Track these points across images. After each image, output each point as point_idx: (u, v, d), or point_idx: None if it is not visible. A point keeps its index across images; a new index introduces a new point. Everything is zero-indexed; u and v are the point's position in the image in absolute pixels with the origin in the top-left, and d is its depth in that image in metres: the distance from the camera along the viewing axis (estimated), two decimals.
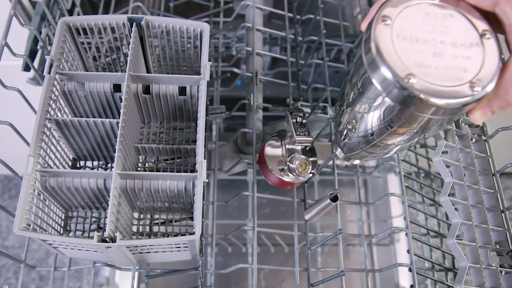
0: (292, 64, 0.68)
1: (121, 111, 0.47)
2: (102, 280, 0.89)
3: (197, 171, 0.45)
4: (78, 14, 0.70)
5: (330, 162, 0.58)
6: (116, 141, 0.46)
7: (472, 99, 0.36)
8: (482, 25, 0.39)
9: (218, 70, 0.71)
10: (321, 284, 0.53)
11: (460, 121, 0.54)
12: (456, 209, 0.48)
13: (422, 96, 0.35)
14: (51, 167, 0.50)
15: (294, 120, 0.54)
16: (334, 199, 0.51)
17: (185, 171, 0.57)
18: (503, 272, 0.48)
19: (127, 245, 0.43)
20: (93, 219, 0.57)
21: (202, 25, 0.52)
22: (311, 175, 0.55)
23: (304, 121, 0.54)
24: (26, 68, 0.58)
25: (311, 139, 0.54)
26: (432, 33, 0.38)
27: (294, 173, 0.55)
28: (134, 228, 0.56)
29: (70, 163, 0.57)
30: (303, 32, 0.72)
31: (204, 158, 0.45)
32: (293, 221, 0.59)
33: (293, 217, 0.59)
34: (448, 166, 0.50)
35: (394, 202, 1.02)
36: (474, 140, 0.55)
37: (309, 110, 0.62)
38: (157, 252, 0.48)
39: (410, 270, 0.53)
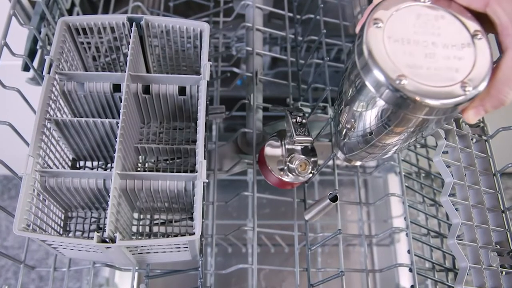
0: (292, 64, 0.68)
1: (121, 111, 0.47)
2: (101, 280, 0.89)
3: (197, 171, 0.45)
4: (78, 14, 0.70)
5: (330, 162, 0.58)
6: (116, 141, 0.46)
7: (464, 99, 0.36)
8: (474, 26, 0.39)
9: (218, 70, 0.71)
10: (321, 285, 0.53)
11: (461, 121, 0.54)
12: (456, 209, 0.48)
13: (414, 97, 0.36)
14: (50, 167, 0.49)
15: (294, 120, 0.54)
16: (334, 199, 0.51)
17: (185, 171, 0.57)
18: (504, 273, 0.48)
19: (127, 245, 0.43)
20: (93, 220, 0.57)
21: (202, 25, 0.52)
22: (311, 175, 0.55)
23: (304, 121, 0.54)
24: (26, 68, 0.58)
25: (311, 139, 0.54)
26: (424, 35, 0.38)
27: (294, 173, 0.54)
28: (134, 229, 0.56)
29: (69, 163, 0.57)
30: (303, 31, 0.72)
31: (204, 158, 0.45)
32: (293, 221, 0.59)
33: (293, 217, 0.59)
34: (448, 166, 0.50)
35: (395, 202, 1.02)
36: (474, 140, 0.55)
37: (309, 110, 0.62)
38: (157, 252, 0.48)
39: (410, 270, 0.53)
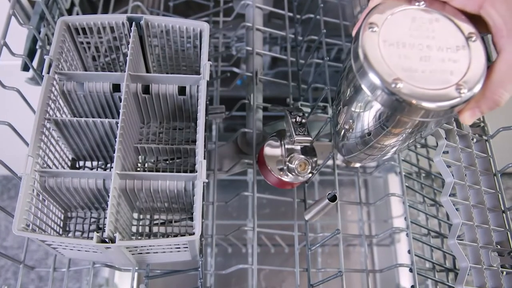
0: (292, 63, 0.68)
1: (121, 111, 0.46)
2: (101, 280, 0.89)
3: (196, 171, 0.44)
4: (77, 14, 0.69)
5: (330, 162, 0.58)
6: (115, 141, 0.46)
7: (459, 101, 0.37)
8: (468, 28, 0.39)
9: (218, 70, 0.71)
10: (321, 285, 0.52)
11: None
12: (457, 209, 0.48)
13: (409, 100, 0.36)
14: (50, 167, 0.49)
15: (294, 120, 0.54)
16: (333, 199, 0.51)
17: (185, 171, 0.57)
18: (504, 273, 0.48)
19: (126, 245, 0.43)
20: (93, 220, 0.56)
21: (202, 24, 0.52)
22: (310, 175, 0.54)
23: (303, 120, 0.54)
24: (25, 68, 0.57)
25: (310, 138, 0.53)
26: (419, 38, 0.39)
27: (293, 173, 0.54)
28: (134, 229, 0.56)
29: (69, 163, 0.57)
30: (303, 31, 0.72)
31: (204, 158, 0.45)
32: (293, 222, 0.58)
33: (293, 217, 0.59)
34: (449, 166, 0.50)
35: (395, 202, 1.01)
36: (475, 140, 0.55)
37: (309, 110, 0.62)
38: (157, 252, 0.48)
39: (410, 270, 0.53)
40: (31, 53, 0.58)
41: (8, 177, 1.47)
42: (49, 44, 0.60)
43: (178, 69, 0.59)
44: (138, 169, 0.58)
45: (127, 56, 0.49)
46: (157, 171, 0.58)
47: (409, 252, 0.55)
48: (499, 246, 0.49)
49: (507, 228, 0.51)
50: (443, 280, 0.59)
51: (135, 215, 0.56)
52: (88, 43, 0.54)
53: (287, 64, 0.67)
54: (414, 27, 0.39)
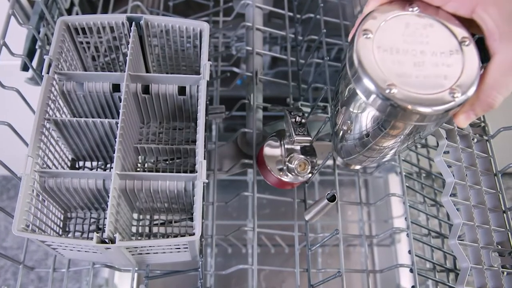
0: (292, 63, 0.68)
1: (120, 111, 0.46)
2: (101, 281, 0.89)
3: (196, 172, 0.44)
4: (77, 14, 0.69)
5: (331, 162, 0.57)
6: (115, 141, 0.46)
7: (453, 105, 0.37)
8: (461, 32, 0.40)
9: (218, 70, 0.71)
10: (322, 285, 0.52)
11: None
12: (457, 209, 0.48)
13: (403, 105, 0.37)
14: (50, 168, 0.49)
15: (293, 120, 0.54)
16: (332, 199, 0.51)
17: (185, 172, 0.57)
18: (505, 273, 0.48)
19: (126, 246, 0.43)
20: (92, 220, 0.56)
21: (202, 24, 0.52)
22: (310, 175, 0.54)
23: (303, 120, 0.54)
24: (25, 68, 0.57)
25: (310, 138, 0.53)
26: (412, 43, 0.39)
27: (293, 173, 0.54)
28: (134, 229, 0.56)
29: (69, 164, 0.57)
30: (303, 31, 0.72)
31: (204, 159, 0.45)
32: (293, 222, 0.58)
33: (294, 217, 0.58)
34: (449, 166, 0.50)
35: (395, 202, 1.01)
36: (475, 140, 0.55)
37: (309, 110, 0.62)
38: (157, 253, 0.48)
39: (411, 271, 0.53)
40: (30, 53, 0.58)
41: (8, 177, 1.46)
42: (49, 44, 0.60)
43: (178, 69, 0.59)
44: (138, 169, 0.58)
45: (127, 56, 0.49)
46: (157, 171, 0.58)
47: (409, 252, 0.55)
48: (499, 247, 0.49)
49: (508, 228, 0.51)
50: (443, 280, 0.59)
51: (135, 216, 0.56)
52: (87, 43, 0.54)
53: (287, 64, 0.67)
54: (408, 33, 0.40)
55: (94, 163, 0.59)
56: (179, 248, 0.46)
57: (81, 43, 0.54)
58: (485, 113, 0.41)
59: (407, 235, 0.55)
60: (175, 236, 0.56)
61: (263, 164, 0.56)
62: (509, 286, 0.47)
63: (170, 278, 0.54)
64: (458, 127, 0.52)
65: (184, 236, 0.52)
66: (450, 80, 0.38)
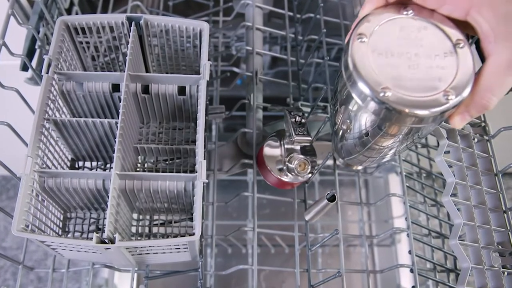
0: (292, 63, 0.68)
1: (120, 111, 0.46)
2: (101, 281, 0.89)
3: (196, 172, 0.44)
4: (77, 13, 0.69)
5: (331, 162, 0.57)
6: (115, 141, 0.46)
7: (447, 107, 0.38)
8: (456, 35, 0.40)
9: (218, 70, 0.71)
10: (322, 285, 0.52)
11: None
12: (458, 209, 0.48)
13: (398, 108, 0.37)
14: (49, 168, 0.49)
15: (293, 120, 0.54)
16: (332, 199, 0.51)
17: (185, 172, 0.57)
18: (505, 273, 0.48)
19: (126, 246, 0.43)
20: (92, 220, 0.56)
21: (202, 24, 0.51)
22: (310, 175, 0.54)
23: (303, 120, 0.54)
24: (24, 67, 0.57)
25: (310, 138, 0.53)
26: (407, 46, 0.40)
27: (293, 173, 0.54)
28: (134, 229, 0.56)
29: (68, 164, 0.57)
30: (303, 31, 0.72)
31: (204, 159, 0.45)
32: (293, 222, 0.58)
33: (294, 217, 0.58)
34: (450, 166, 0.49)
35: (395, 202, 1.01)
36: (476, 140, 0.55)
37: (309, 110, 0.62)
38: (157, 253, 0.48)
39: (411, 271, 0.53)
40: (30, 53, 0.58)
41: (7, 178, 1.46)
42: (48, 44, 0.60)
43: (178, 69, 0.59)
44: (138, 169, 0.58)
45: (126, 56, 0.49)
46: (157, 171, 0.57)
47: (409, 252, 0.54)
48: (500, 247, 0.49)
49: (508, 228, 0.50)
50: (444, 280, 0.59)
51: (135, 216, 0.56)
52: (87, 42, 0.54)
53: (287, 64, 0.67)
54: (402, 36, 0.40)
55: (94, 163, 0.59)
56: (179, 248, 0.46)
57: (81, 43, 0.54)
58: (480, 115, 0.42)
59: (408, 235, 0.55)
60: (175, 236, 0.56)
61: (263, 164, 0.56)
62: (510, 287, 0.47)
63: (170, 278, 0.54)
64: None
65: (184, 236, 0.52)
66: (445, 82, 0.38)
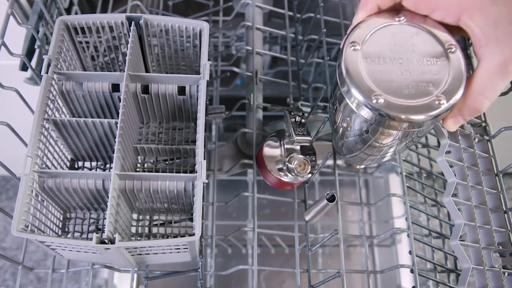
0: (292, 63, 0.67)
1: (120, 111, 0.46)
2: (100, 281, 0.88)
3: (196, 172, 0.44)
4: (76, 13, 0.69)
5: (331, 162, 0.57)
6: (114, 141, 0.46)
7: (439, 112, 0.39)
8: (448, 40, 0.41)
9: (218, 70, 0.70)
10: (322, 286, 0.52)
11: None
12: (459, 209, 0.48)
13: (390, 114, 0.38)
14: (49, 168, 0.49)
15: (293, 120, 0.54)
16: (331, 199, 0.51)
17: (185, 172, 0.56)
18: (506, 274, 0.47)
19: (126, 246, 0.43)
20: (92, 220, 0.56)
21: (202, 24, 0.51)
22: (310, 175, 0.54)
23: (303, 120, 0.54)
24: (24, 67, 0.57)
25: (310, 138, 0.53)
26: (399, 53, 0.41)
27: (293, 173, 0.54)
28: (133, 229, 0.56)
29: (68, 164, 0.57)
30: (303, 31, 0.72)
31: (204, 159, 0.45)
32: (293, 222, 0.58)
33: (294, 218, 0.58)
34: (451, 166, 0.49)
35: (396, 202, 1.01)
36: (477, 140, 0.55)
37: (309, 110, 0.62)
38: (157, 253, 0.47)
39: (412, 271, 0.53)
40: (29, 53, 0.57)
41: (7, 178, 1.46)
42: (48, 43, 0.60)
43: (178, 69, 0.59)
44: (138, 169, 0.58)
45: (126, 55, 0.49)
46: (157, 171, 0.57)
47: (410, 253, 0.54)
48: (500, 247, 0.49)
49: (509, 228, 0.50)
50: (444, 281, 0.59)
51: (135, 216, 0.56)
52: (87, 42, 0.54)
53: (287, 64, 0.67)
54: (394, 42, 0.41)
55: (94, 163, 0.59)
56: (179, 249, 0.46)
57: (80, 42, 0.54)
58: (473, 117, 0.43)
59: (408, 235, 0.55)
60: (175, 237, 0.55)
61: (262, 164, 0.56)
62: (510, 287, 0.47)
63: (169, 278, 0.54)
64: (459, 127, 0.52)
65: (184, 236, 0.52)
66: (437, 87, 0.39)
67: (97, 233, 0.41)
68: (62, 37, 0.50)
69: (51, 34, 0.50)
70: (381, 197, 0.59)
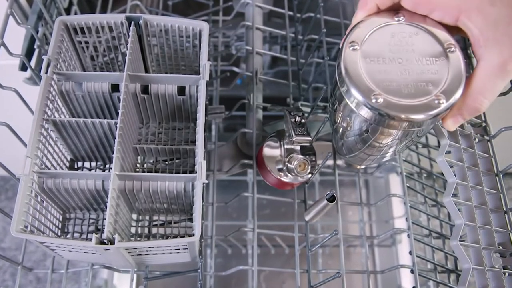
0: (292, 63, 0.67)
1: (119, 111, 0.46)
2: (100, 282, 0.88)
3: (196, 172, 0.44)
4: (76, 13, 0.69)
5: (331, 162, 0.57)
6: (114, 141, 0.45)
7: (438, 111, 0.39)
8: (447, 39, 0.41)
9: (218, 69, 0.70)
10: (322, 286, 0.52)
11: None
12: (459, 210, 0.48)
13: (390, 113, 0.38)
14: (48, 168, 0.49)
15: (293, 120, 0.54)
16: (331, 199, 0.51)
17: (184, 172, 0.56)
18: (506, 274, 0.47)
19: (125, 247, 0.43)
20: (91, 221, 0.56)
21: (201, 24, 0.51)
22: (310, 175, 0.54)
23: (303, 120, 0.54)
24: (23, 67, 0.57)
25: (309, 138, 0.53)
26: (398, 52, 0.41)
27: (293, 174, 0.54)
28: (133, 230, 0.56)
29: (67, 164, 0.56)
30: (303, 30, 0.72)
31: (204, 159, 0.45)
32: (293, 222, 0.58)
33: (294, 218, 0.58)
34: (451, 166, 0.49)
35: (396, 202, 1.01)
36: (477, 140, 0.54)
37: (309, 110, 0.62)
38: (156, 254, 0.47)
39: (412, 271, 0.53)
40: (29, 53, 0.57)
41: (6, 178, 1.46)
42: (47, 43, 0.60)
43: (178, 69, 0.59)
44: (137, 170, 0.58)
45: (126, 55, 0.49)
46: (156, 171, 0.57)
47: (410, 253, 0.54)
48: (501, 247, 0.49)
49: (509, 229, 0.50)
50: (444, 281, 0.59)
51: (134, 216, 0.56)
52: (86, 42, 0.54)
53: (287, 64, 0.67)
54: (394, 42, 0.41)
55: (93, 164, 0.59)
56: (179, 249, 0.46)
57: (80, 42, 0.54)
58: (472, 117, 0.43)
59: (408, 235, 0.55)
60: (175, 237, 0.55)
61: (262, 165, 0.56)
62: (510, 287, 0.47)
63: (169, 279, 0.54)
64: (459, 127, 0.52)
65: (184, 237, 0.52)
66: (436, 87, 0.39)
67: (96, 234, 0.41)
68: (62, 37, 0.50)
69: (51, 34, 0.50)
70: (381, 197, 0.59)
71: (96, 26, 0.51)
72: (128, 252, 0.45)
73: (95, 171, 0.59)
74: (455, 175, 0.49)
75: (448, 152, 0.50)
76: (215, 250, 1.02)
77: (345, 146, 0.51)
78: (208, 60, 0.49)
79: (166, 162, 0.58)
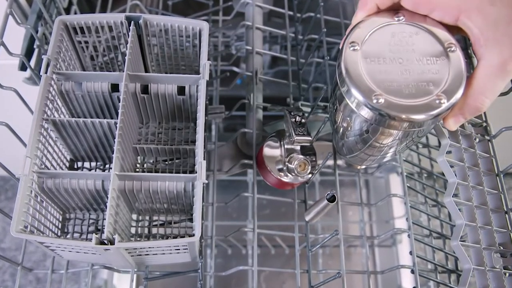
0: (292, 63, 0.67)
1: (119, 111, 0.46)
2: (100, 282, 0.88)
3: (196, 172, 0.44)
4: (75, 13, 0.69)
5: (331, 162, 0.57)
6: (114, 141, 0.45)
7: (440, 111, 0.39)
8: (447, 39, 0.41)
9: (218, 69, 0.70)
10: (322, 286, 0.52)
11: None
12: (459, 210, 0.48)
13: (391, 113, 0.38)
14: (48, 168, 0.49)
15: (293, 120, 0.54)
16: (331, 199, 0.51)
17: (184, 172, 0.56)
18: (507, 274, 0.47)
19: (125, 247, 0.42)
20: (91, 221, 0.56)
21: (201, 23, 0.51)
22: (310, 175, 0.54)
23: (303, 120, 0.54)
24: (23, 67, 0.57)
25: (310, 138, 0.53)
26: (398, 52, 0.41)
27: (293, 174, 0.54)
28: (133, 230, 0.56)
29: (67, 164, 0.56)
30: (303, 30, 0.72)
31: (204, 159, 0.45)
32: (293, 222, 0.58)
33: (294, 218, 0.58)
34: (452, 166, 0.49)
35: (396, 203, 1.01)
36: (477, 140, 0.54)
37: (309, 110, 0.61)
38: (156, 254, 0.47)
39: (412, 272, 0.52)
40: (28, 53, 0.57)
41: (6, 178, 1.46)
42: (47, 43, 0.60)
43: (177, 69, 0.59)
44: (137, 170, 0.57)
45: (125, 55, 0.48)
46: (156, 171, 0.57)
47: (410, 253, 0.54)
48: (501, 248, 0.49)
49: (510, 229, 0.50)
50: (445, 281, 0.59)
51: (134, 216, 0.56)
52: (86, 42, 0.54)
53: (287, 63, 0.67)
54: (394, 42, 0.41)
55: (93, 164, 0.59)
56: (179, 249, 0.46)
57: (80, 42, 0.54)
58: (473, 117, 0.43)
59: (408, 236, 0.55)
60: (175, 237, 0.55)
61: (262, 165, 0.55)
62: None
63: (169, 279, 0.54)
64: (460, 127, 0.52)
65: (184, 237, 0.52)
66: (437, 86, 0.39)
67: (96, 234, 0.41)
68: (61, 37, 0.50)
69: (50, 34, 0.50)
70: (382, 197, 0.59)
71: (95, 26, 0.51)
72: (128, 252, 0.45)
73: (95, 171, 0.59)
74: (455, 175, 0.48)
75: (448, 152, 0.50)
76: (215, 250, 1.02)
77: (346, 146, 0.51)
78: (208, 60, 0.49)
79: (166, 162, 0.58)
